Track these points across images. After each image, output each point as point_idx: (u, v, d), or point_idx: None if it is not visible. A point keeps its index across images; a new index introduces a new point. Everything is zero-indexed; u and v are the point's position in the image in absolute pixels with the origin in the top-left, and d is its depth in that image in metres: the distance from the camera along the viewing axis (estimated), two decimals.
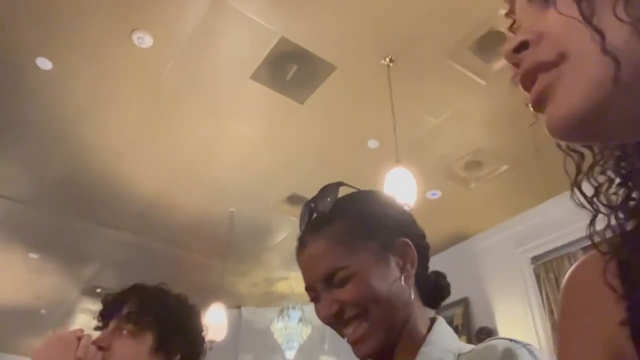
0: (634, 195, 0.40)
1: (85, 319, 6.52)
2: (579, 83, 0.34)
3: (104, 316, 1.11)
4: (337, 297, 0.68)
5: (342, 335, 0.71)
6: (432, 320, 0.74)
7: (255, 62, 2.90)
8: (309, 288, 0.73)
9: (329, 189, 0.76)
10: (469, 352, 0.67)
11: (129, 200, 4.17)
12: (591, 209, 0.41)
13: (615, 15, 0.32)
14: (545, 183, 3.48)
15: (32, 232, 4.67)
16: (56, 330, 1.02)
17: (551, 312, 3.66)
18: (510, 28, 0.44)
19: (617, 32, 0.32)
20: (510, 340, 0.64)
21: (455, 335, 0.72)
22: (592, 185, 0.41)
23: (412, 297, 0.71)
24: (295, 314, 5.36)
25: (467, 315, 4.21)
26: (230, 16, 2.63)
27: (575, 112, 0.35)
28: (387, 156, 2.80)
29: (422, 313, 0.73)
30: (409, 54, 2.80)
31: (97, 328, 1.10)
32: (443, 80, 2.96)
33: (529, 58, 0.37)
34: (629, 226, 0.39)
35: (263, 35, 2.73)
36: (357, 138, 3.42)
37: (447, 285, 0.79)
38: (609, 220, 0.40)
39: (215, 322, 4.05)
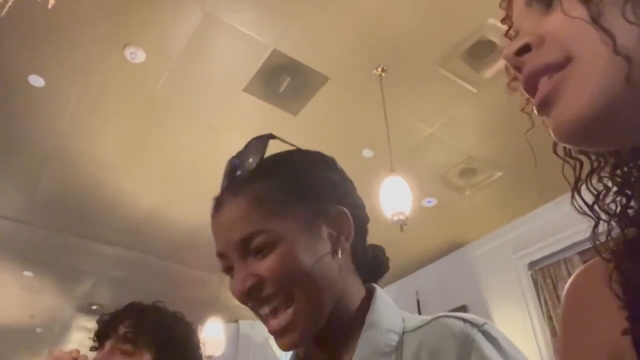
0: (632, 204, 0.40)
1: (80, 336, 6.43)
2: (588, 85, 0.34)
3: (100, 337, 1.10)
4: (254, 270, 0.57)
5: (260, 318, 0.60)
6: (369, 294, 0.64)
7: (248, 75, 2.91)
8: (220, 255, 0.61)
9: (256, 143, 0.65)
10: (415, 329, 0.58)
11: (122, 216, 4.14)
12: (592, 217, 0.40)
13: (624, 16, 0.32)
14: (540, 188, 3.50)
15: (26, 250, 4.63)
16: (52, 350, 1.01)
17: (549, 317, 3.66)
18: (507, 34, 0.44)
19: (626, 33, 0.32)
20: (464, 320, 0.54)
21: (396, 309, 0.62)
22: (591, 192, 0.41)
23: (342, 272, 0.60)
24: None
25: None
26: (222, 30, 2.64)
27: (583, 114, 0.34)
28: (382, 165, 2.80)
29: (356, 289, 0.63)
30: (400, 64, 2.82)
31: (92, 348, 1.09)
32: (435, 88, 2.98)
33: (532, 60, 0.37)
34: (630, 234, 0.39)
35: (255, 48, 2.75)
36: (352, 148, 3.43)
37: (386, 260, 0.70)
38: (609, 228, 0.40)
39: (212, 336, 4.01)
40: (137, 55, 2.76)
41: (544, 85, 0.36)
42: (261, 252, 0.57)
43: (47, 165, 3.60)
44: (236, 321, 5.92)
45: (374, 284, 0.66)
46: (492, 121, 3.13)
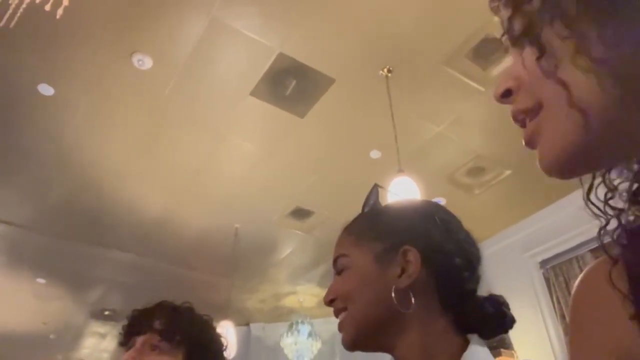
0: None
1: (93, 342, 6.48)
2: (557, 132, 0.35)
3: (132, 332, 1.07)
4: (333, 286, 0.72)
5: None
6: (465, 345, 0.65)
7: (254, 79, 2.92)
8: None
9: (371, 190, 0.81)
10: None
11: (133, 222, 4.17)
12: (603, 217, 0.41)
13: (575, 64, 0.33)
14: (550, 186, 3.47)
15: (39, 258, 4.68)
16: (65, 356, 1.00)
17: (563, 316, 3.62)
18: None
19: (582, 81, 0.33)
20: None
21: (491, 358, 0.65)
22: (599, 198, 0.41)
23: (412, 308, 0.64)
24: (305, 328, 5.32)
25: None
26: (228, 35, 2.66)
27: (558, 157, 0.36)
28: (390, 166, 2.80)
29: (437, 331, 0.65)
30: (406, 64, 2.82)
31: (121, 343, 1.07)
32: (442, 88, 2.97)
33: (514, 103, 0.39)
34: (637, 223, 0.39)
35: (261, 52, 2.76)
36: (359, 149, 3.43)
37: (505, 310, 0.68)
38: (619, 223, 0.40)
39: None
40: (144, 62, 2.78)
41: (527, 127, 0.38)
42: (341, 272, 0.72)
43: (58, 174, 3.64)
44: (247, 324, 5.93)
45: (470, 336, 0.66)
46: (500, 119, 3.11)
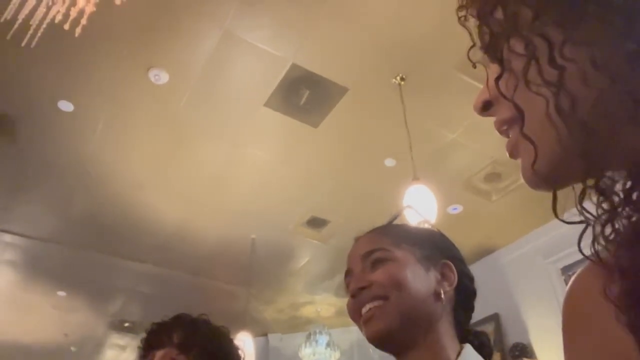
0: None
1: (113, 354, 6.54)
2: (531, 147, 0.34)
3: (151, 346, 1.08)
4: (367, 277, 0.72)
5: (358, 321, 0.72)
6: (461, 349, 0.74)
7: (268, 90, 2.95)
8: (347, 273, 0.76)
9: (400, 210, 0.88)
10: None
11: (151, 233, 4.22)
12: (595, 221, 0.38)
13: (530, 89, 0.32)
14: (570, 191, 3.40)
15: (59, 270, 4.75)
16: None
17: None
18: None
19: (538, 103, 0.32)
20: None
21: None
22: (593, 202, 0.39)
23: (442, 314, 0.72)
24: (323, 338, 5.28)
25: (499, 331, 4.09)
26: (241, 47, 2.69)
27: (538, 172, 0.35)
28: (405, 174, 2.79)
29: (451, 336, 0.73)
30: (419, 71, 2.81)
31: (141, 357, 1.08)
32: (456, 94, 2.95)
33: (495, 114, 0.38)
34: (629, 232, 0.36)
35: (274, 63, 2.79)
36: (374, 157, 3.42)
37: (490, 347, 0.78)
38: (612, 228, 0.37)
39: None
40: (160, 76, 2.83)
41: (509, 140, 0.38)
42: (376, 265, 0.72)
43: (78, 187, 3.71)
44: (265, 335, 5.92)
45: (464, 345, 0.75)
46: None
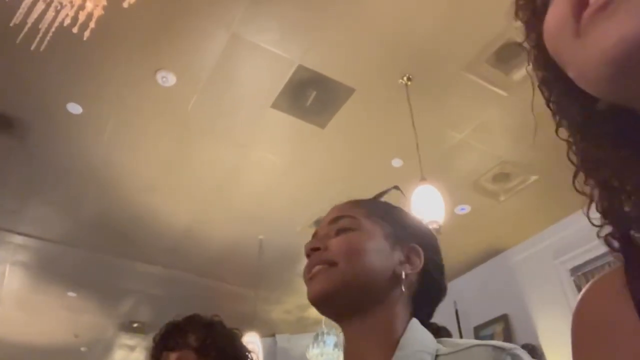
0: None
1: (123, 354, 6.58)
2: None
3: (164, 347, 1.06)
4: (326, 241, 0.70)
5: (306, 278, 0.71)
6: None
7: (275, 91, 2.95)
8: (313, 235, 0.75)
9: (388, 189, 0.83)
10: (448, 354, 0.63)
11: (160, 234, 4.24)
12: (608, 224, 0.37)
13: None
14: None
15: (70, 272, 4.80)
16: None
17: None
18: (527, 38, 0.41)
19: None
20: (494, 347, 0.59)
21: (430, 335, 0.68)
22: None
23: (399, 298, 0.69)
24: (331, 339, 5.28)
25: (507, 332, 4.06)
26: (248, 49, 2.70)
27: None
28: (412, 174, 2.78)
29: (404, 321, 0.69)
30: (426, 72, 2.81)
31: (153, 358, 1.07)
32: (463, 94, 2.94)
33: None
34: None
35: (281, 65, 2.79)
36: (381, 158, 3.42)
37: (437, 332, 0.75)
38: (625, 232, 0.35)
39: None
40: (168, 79, 2.85)
41: None
42: (340, 232, 0.71)
43: (87, 189, 3.74)
44: (273, 335, 5.93)
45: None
46: (524, 124, 3.05)
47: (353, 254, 0.68)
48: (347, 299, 0.67)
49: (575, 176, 0.36)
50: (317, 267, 0.68)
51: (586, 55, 0.28)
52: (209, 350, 1.04)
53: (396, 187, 0.83)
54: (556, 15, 0.31)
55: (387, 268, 0.68)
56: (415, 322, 0.68)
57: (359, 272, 0.67)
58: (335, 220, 0.73)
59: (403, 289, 0.69)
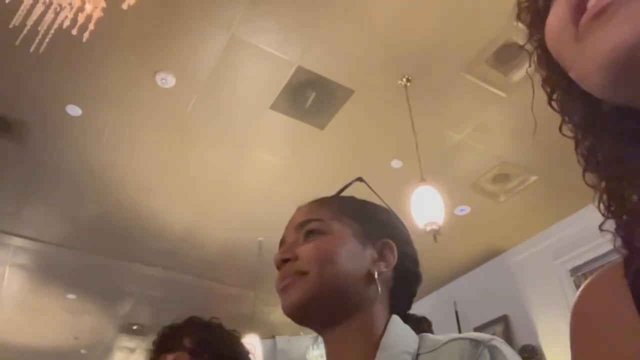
0: None
1: (123, 356, 6.57)
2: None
3: (162, 349, 1.07)
4: (296, 249, 0.68)
5: (279, 290, 0.69)
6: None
7: (274, 93, 2.95)
8: (280, 242, 0.74)
9: (351, 182, 0.81)
10: (430, 351, 0.61)
11: (159, 236, 4.24)
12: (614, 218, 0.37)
13: None
14: (578, 191, 3.38)
15: (69, 274, 4.79)
16: None
17: None
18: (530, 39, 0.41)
19: None
20: (470, 340, 0.58)
21: (411, 333, 0.66)
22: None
23: (376, 296, 0.67)
24: None
25: (508, 333, 4.06)
26: (247, 51, 2.70)
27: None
28: (412, 175, 2.78)
29: (385, 320, 0.68)
30: (425, 73, 2.81)
31: None
32: (462, 95, 2.94)
33: None
34: None
35: (280, 66, 2.79)
36: (380, 159, 3.42)
37: (425, 326, 0.74)
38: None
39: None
40: (167, 80, 2.85)
41: None
42: (309, 237, 0.68)
43: (86, 191, 3.74)
44: (273, 337, 5.92)
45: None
46: (524, 124, 3.06)
47: (324, 261, 0.65)
48: (322, 307, 0.65)
49: (585, 171, 0.36)
50: (289, 279, 0.66)
51: (585, 61, 0.28)
52: (204, 352, 1.04)
53: (360, 179, 0.81)
54: (557, 19, 0.32)
55: (360, 269, 0.67)
56: (394, 319, 0.67)
57: (332, 279, 0.65)
58: (302, 224, 0.71)
59: (379, 288, 0.67)
